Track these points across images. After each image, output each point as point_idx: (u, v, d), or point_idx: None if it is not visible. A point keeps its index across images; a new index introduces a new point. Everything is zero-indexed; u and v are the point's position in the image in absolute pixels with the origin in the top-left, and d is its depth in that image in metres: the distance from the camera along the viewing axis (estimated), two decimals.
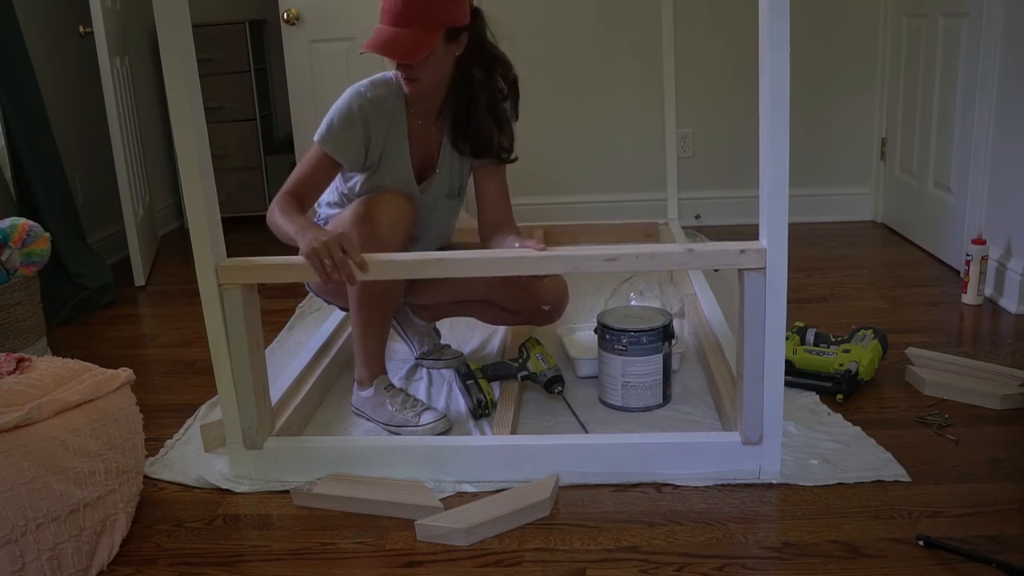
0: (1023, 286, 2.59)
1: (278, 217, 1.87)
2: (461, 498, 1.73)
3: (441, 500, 1.71)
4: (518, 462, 1.78)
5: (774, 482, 1.73)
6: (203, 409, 2.21)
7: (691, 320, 2.56)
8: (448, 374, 2.29)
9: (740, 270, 1.66)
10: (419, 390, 2.23)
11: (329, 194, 2.16)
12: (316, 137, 1.95)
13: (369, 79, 1.98)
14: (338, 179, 2.11)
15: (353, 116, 1.93)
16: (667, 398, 2.09)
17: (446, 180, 2.10)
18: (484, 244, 2.11)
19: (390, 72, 1.98)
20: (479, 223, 2.15)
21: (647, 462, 1.77)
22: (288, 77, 3.97)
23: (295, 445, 1.87)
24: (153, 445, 2.00)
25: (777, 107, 1.56)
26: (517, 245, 1.87)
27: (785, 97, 1.56)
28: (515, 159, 2.09)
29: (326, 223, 2.17)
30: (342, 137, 1.94)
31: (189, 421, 2.15)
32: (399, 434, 1.96)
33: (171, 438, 2.06)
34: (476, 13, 1.95)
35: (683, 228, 3.39)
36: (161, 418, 2.17)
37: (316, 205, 2.20)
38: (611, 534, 1.60)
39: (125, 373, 1.72)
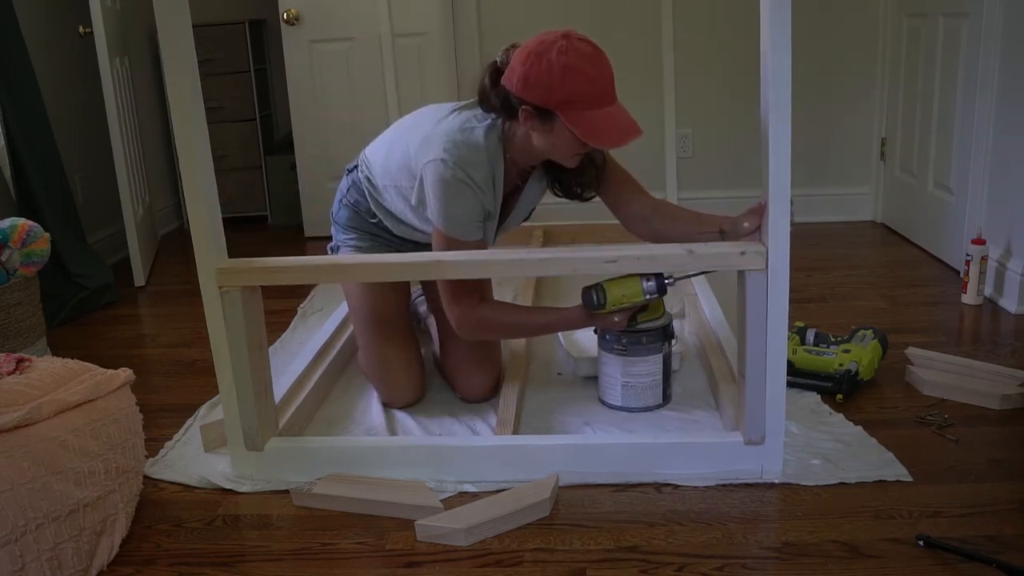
0: (1023, 286, 2.59)
1: (509, 320, 1.92)
2: (462, 498, 1.73)
3: (442, 500, 1.71)
4: (518, 462, 1.78)
5: (776, 482, 1.73)
6: (203, 409, 2.21)
7: (691, 320, 2.56)
8: None
9: (740, 271, 1.66)
10: None
11: (349, 215, 2.13)
12: (451, 232, 1.84)
13: (454, 154, 1.81)
14: (367, 196, 2.06)
15: (475, 207, 1.84)
16: (667, 398, 2.09)
17: (524, 209, 2.08)
18: (650, 232, 1.98)
19: (475, 131, 1.84)
20: (624, 215, 2.02)
21: (647, 462, 1.77)
22: (288, 77, 3.97)
23: (296, 445, 1.87)
24: (153, 445, 2.00)
25: (779, 108, 1.56)
26: (722, 232, 1.77)
27: (787, 98, 1.56)
28: (594, 196, 2.04)
29: (337, 250, 2.18)
30: (475, 222, 1.86)
31: (189, 421, 2.15)
32: None
33: (171, 438, 2.06)
34: None
35: None
36: (161, 418, 2.17)
37: (332, 219, 2.19)
38: (611, 534, 1.60)
39: (125, 373, 1.72)
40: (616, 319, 1.87)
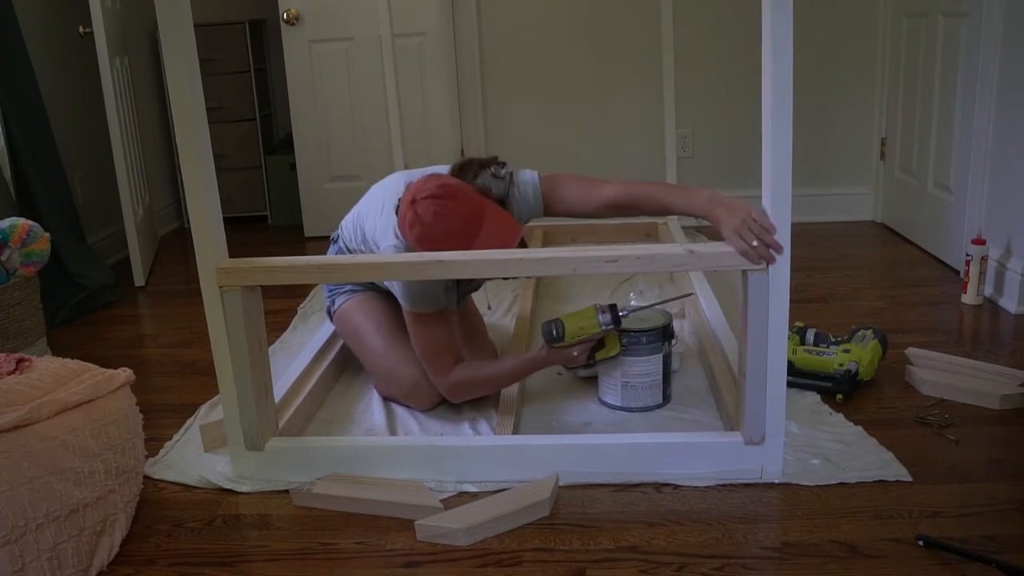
0: (1023, 286, 2.58)
1: (482, 376, 1.99)
2: (462, 498, 1.73)
3: (442, 500, 1.72)
4: (518, 462, 1.78)
5: (776, 482, 1.73)
6: (203, 409, 2.21)
7: (691, 320, 2.56)
8: None
9: (743, 271, 1.66)
10: None
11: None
12: (418, 308, 1.94)
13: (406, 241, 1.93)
14: (361, 237, 2.10)
15: (433, 282, 1.92)
16: (667, 398, 2.09)
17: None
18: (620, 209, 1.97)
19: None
20: (585, 213, 2.03)
21: (647, 462, 1.77)
22: (288, 77, 3.97)
23: (296, 445, 1.87)
24: (153, 445, 2.00)
25: (780, 108, 1.56)
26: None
27: (788, 98, 1.55)
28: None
29: (334, 302, 2.24)
30: (437, 293, 1.94)
31: (189, 421, 2.15)
32: None
33: (171, 438, 2.06)
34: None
35: (683, 228, 3.39)
36: (161, 418, 2.17)
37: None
38: (611, 534, 1.60)
39: (125, 373, 1.72)
40: (575, 353, 1.94)
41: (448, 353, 1.98)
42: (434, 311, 1.95)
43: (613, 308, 1.91)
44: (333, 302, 2.24)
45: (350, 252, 2.16)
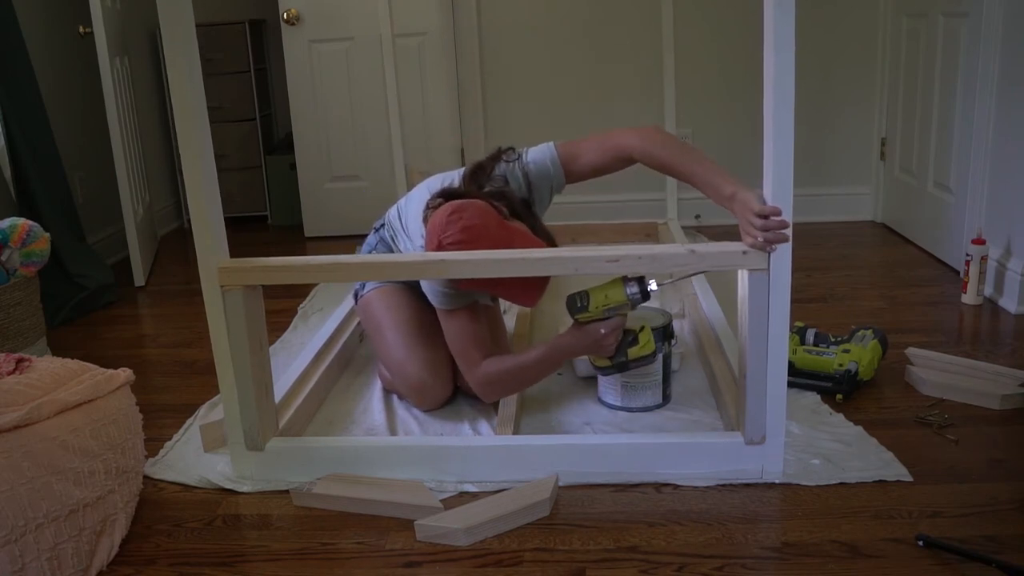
0: (1023, 286, 2.59)
1: (507, 367, 1.94)
2: (462, 498, 1.73)
3: (442, 500, 1.72)
4: (518, 462, 1.78)
5: (776, 482, 1.73)
6: (203, 409, 2.21)
7: (691, 320, 2.56)
8: None
9: (743, 270, 1.66)
10: None
11: (378, 240, 2.23)
12: (444, 305, 1.96)
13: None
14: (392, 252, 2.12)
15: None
16: (667, 398, 2.09)
17: None
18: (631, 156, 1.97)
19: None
20: (609, 167, 2.05)
21: (647, 462, 1.77)
22: (288, 77, 3.97)
23: (297, 445, 1.87)
24: (153, 445, 2.00)
25: (782, 108, 1.56)
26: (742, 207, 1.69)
27: (790, 98, 1.55)
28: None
29: (363, 287, 2.25)
30: (460, 291, 1.95)
31: (189, 421, 2.15)
32: None
33: (171, 438, 2.06)
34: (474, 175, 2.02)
35: (683, 228, 3.40)
36: (161, 418, 2.17)
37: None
38: (611, 534, 1.60)
39: (125, 373, 1.72)
40: (602, 331, 1.85)
41: (478, 346, 1.96)
42: (461, 306, 1.95)
43: (641, 280, 1.81)
44: (363, 286, 2.25)
45: (394, 243, 2.17)
